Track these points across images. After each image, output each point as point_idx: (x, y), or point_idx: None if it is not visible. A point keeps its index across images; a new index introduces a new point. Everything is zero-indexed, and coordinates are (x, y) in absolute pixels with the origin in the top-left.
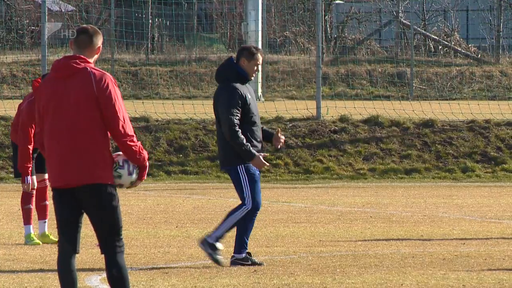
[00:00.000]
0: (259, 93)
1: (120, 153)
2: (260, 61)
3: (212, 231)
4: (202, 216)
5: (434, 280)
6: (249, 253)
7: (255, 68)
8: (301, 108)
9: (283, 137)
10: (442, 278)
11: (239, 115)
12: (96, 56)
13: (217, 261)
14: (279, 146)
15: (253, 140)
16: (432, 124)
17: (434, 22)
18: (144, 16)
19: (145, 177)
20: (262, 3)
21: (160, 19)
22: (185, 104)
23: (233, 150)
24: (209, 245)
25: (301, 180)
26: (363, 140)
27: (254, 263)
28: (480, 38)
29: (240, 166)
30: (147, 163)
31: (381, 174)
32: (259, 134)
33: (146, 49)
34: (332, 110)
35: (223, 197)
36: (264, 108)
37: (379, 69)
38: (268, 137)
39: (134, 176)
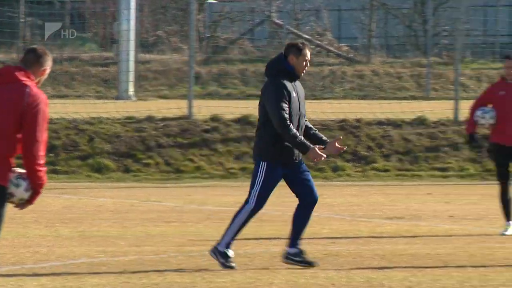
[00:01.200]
0: (130, 93)
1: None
2: (309, 56)
3: (221, 238)
4: (72, 215)
5: (303, 279)
6: (301, 250)
7: (304, 64)
8: (173, 107)
9: (341, 146)
10: (312, 277)
11: (287, 109)
12: (42, 78)
13: (231, 267)
14: (334, 152)
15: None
16: None
17: (307, 22)
18: (16, 15)
19: (33, 203)
20: (135, 3)
21: (32, 18)
22: (57, 104)
23: (267, 144)
24: (220, 253)
25: (172, 179)
26: (234, 140)
27: (303, 262)
28: (352, 37)
29: (263, 162)
30: (41, 191)
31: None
32: (300, 134)
33: (18, 48)
34: (204, 109)
35: (93, 197)
36: (136, 107)
37: (252, 69)
38: (320, 142)
39: (27, 195)
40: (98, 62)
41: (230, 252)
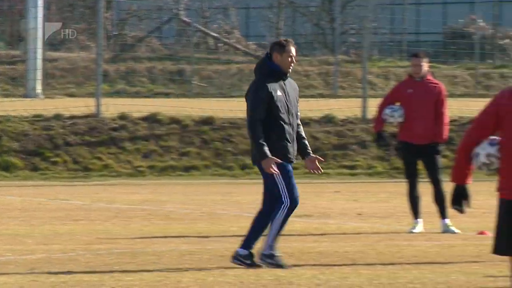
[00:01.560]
0: (38, 91)
1: None
2: (293, 52)
3: (263, 244)
4: None
5: (212, 277)
6: (251, 253)
7: (289, 60)
8: (80, 106)
9: (319, 167)
10: (220, 275)
11: (262, 110)
12: None
13: (282, 266)
14: (311, 170)
15: (280, 140)
16: (211, 121)
17: (215, 20)
18: None
19: None
20: (42, 1)
21: None
22: None
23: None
24: (266, 256)
25: (79, 178)
26: (142, 138)
27: (253, 264)
28: (260, 35)
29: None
30: None
31: (160, 171)
32: (290, 134)
33: None
34: (112, 107)
35: (1, 195)
36: (43, 105)
37: (160, 67)
38: (302, 152)
39: None
40: (5, 60)
41: (276, 251)
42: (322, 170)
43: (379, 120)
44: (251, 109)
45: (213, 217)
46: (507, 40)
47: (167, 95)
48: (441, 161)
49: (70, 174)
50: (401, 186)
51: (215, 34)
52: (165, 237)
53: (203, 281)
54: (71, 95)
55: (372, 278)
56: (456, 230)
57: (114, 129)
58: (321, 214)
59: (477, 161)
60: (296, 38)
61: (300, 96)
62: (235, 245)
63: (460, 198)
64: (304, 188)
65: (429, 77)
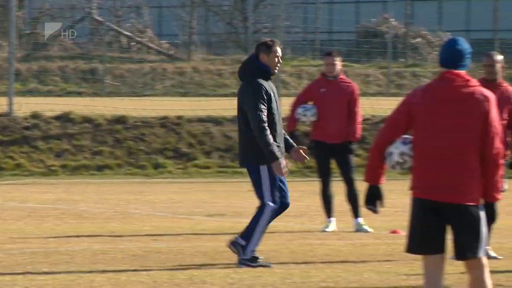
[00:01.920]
0: None
1: None
2: (280, 52)
3: (244, 249)
4: None
5: (125, 277)
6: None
7: (276, 60)
8: None
9: (305, 156)
10: (133, 275)
11: (265, 111)
12: None
13: (265, 266)
14: (297, 161)
15: (274, 138)
16: (124, 120)
17: (127, 19)
18: None
19: None
20: None
21: None
22: None
23: (257, 149)
24: (249, 260)
25: None
26: (55, 137)
27: (260, 265)
28: (172, 34)
29: (262, 166)
30: None
31: (73, 170)
32: (281, 133)
33: None
34: (25, 106)
35: None
36: None
37: (72, 66)
38: (287, 147)
39: None
40: None
41: (256, 254)
42: (308, 159)
43: (292, 119)
44: (257, 112)
45: (126, 216)
46: (419, 39)
47: (79, 94)
48: (354, 160)
49: None
50: (314, 185)
51: (128, 33)
52: (78, 236)
53: (116, 280)
54: None
55: (285, 277)
56: (369, 229)
57: (27, 128)
58: (234, 213)
59: (390, 160)
60: (209, 37)
61: (213, 95)
62: (148, 244)
63: (374, 198)
64: (217, 187)
65: (342, 76)
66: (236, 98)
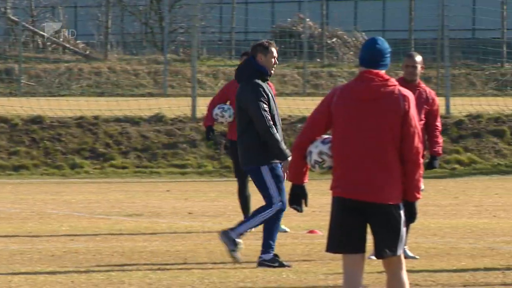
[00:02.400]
0: None
1: None
2: (276, 53)
3: (235, 226)
4: None
5: (42, 277)
6: (276, 255)
7: (273, 61)
8: None
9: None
10: (51, 275)
11: (268, 109)
12: None
13: (235, 258)
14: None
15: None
16: (40, 120)
17: (43, 19)
18: None
19: None
20: None
21: None
22: None
23: (257, 149)
24: (231, 240)
25: None
26: None
27: (281, 265)
28: (88, 34)
29: (263, 167)
30: None
31: None
32: (280, 133)
33: None
34: None
35: None
36: None
37: None
38: None
39: None
40: None
41: (240, 242)
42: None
43: (209, 117)
44: (261, 111)
45: (43, 216)
46: (334, 39)
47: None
48: None
49: None
50: (232, 185)
51: (43, 33)
52: None
53: (34, 280)
54: None
55: (203, 277)
56: (287, 229)
57: None
58: (151, 213)
59: (310, 159)
60: (125, 37)
61: (129, 95)
62: (65, 244)
63: (298, 197)
64: (134, 187)
65: None
66: (238, 99)
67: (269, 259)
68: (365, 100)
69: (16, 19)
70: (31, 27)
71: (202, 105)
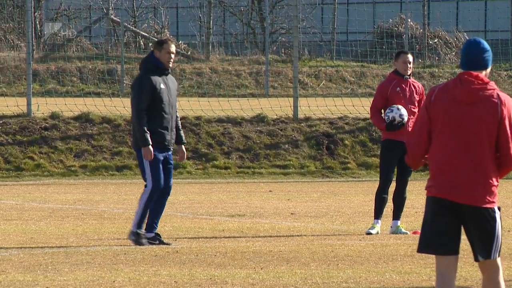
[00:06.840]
0: None
1: None
2: (172, 49)
3: (133, 221)
4: None
5: (146, 277)
6: (157, 234)
7: (167, 57)
8: (11, 105)
9: (183, 158)
10: (154, 275)
11: (145, 101)
12: None
13: (141, 244)
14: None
15: (159, 128)
16: None
17: (144, 19)
18: None
19: None
20: None
21: None
22: None
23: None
24: (133, 233)
25: (12, 177)
26: (74, 137)
27: (161, 243)
28: (190, 35)
29: (140, 149)
30: None
31: (93, 171)
32: (169, 123)
33: None
34: (43, 107)
35: None
36: None
37: (90, 66)
38: (177, 141)
39: None
40: None
41: (142, 230)
42: (184, 161)
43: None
44: (136, 100)
45: None
46: (436, 40)
47: (98, 94)
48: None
49: (2, 174)
50: (333, 186)
51: (145, 34)
52: (99, 236)
53: (137, 280)
54: (1, 95)
55: (306, 278)
56: (407, 232)
57: (46, 129)
58: (254, 214)
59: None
60: (227, 37)
61: (231, 96)
62: (163, 245)
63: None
64: (237, 188)
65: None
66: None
67: (150, 237)
68: (463, 103)
69: (118, 20)
70: (133, 28)
71: (304, 106)
